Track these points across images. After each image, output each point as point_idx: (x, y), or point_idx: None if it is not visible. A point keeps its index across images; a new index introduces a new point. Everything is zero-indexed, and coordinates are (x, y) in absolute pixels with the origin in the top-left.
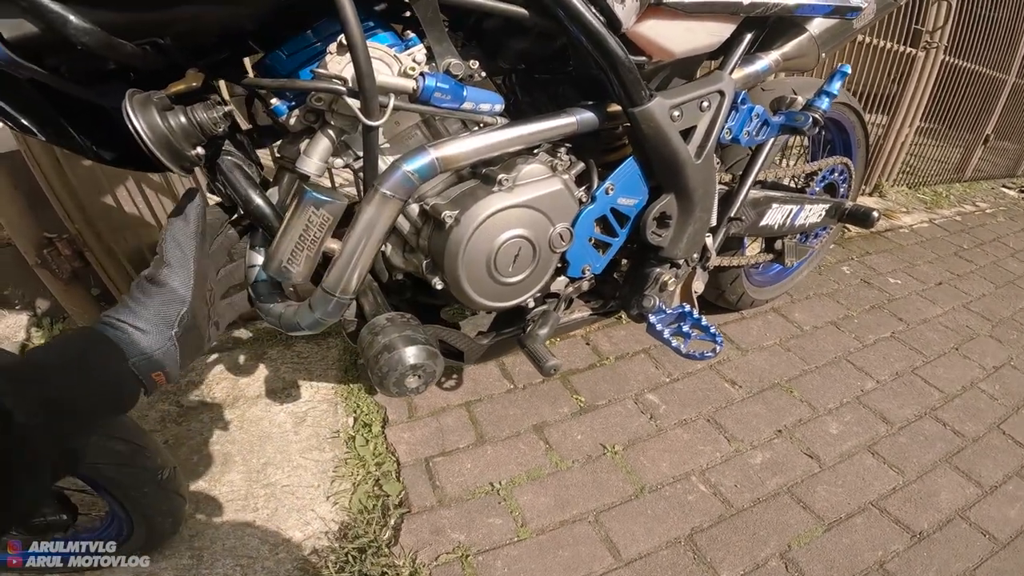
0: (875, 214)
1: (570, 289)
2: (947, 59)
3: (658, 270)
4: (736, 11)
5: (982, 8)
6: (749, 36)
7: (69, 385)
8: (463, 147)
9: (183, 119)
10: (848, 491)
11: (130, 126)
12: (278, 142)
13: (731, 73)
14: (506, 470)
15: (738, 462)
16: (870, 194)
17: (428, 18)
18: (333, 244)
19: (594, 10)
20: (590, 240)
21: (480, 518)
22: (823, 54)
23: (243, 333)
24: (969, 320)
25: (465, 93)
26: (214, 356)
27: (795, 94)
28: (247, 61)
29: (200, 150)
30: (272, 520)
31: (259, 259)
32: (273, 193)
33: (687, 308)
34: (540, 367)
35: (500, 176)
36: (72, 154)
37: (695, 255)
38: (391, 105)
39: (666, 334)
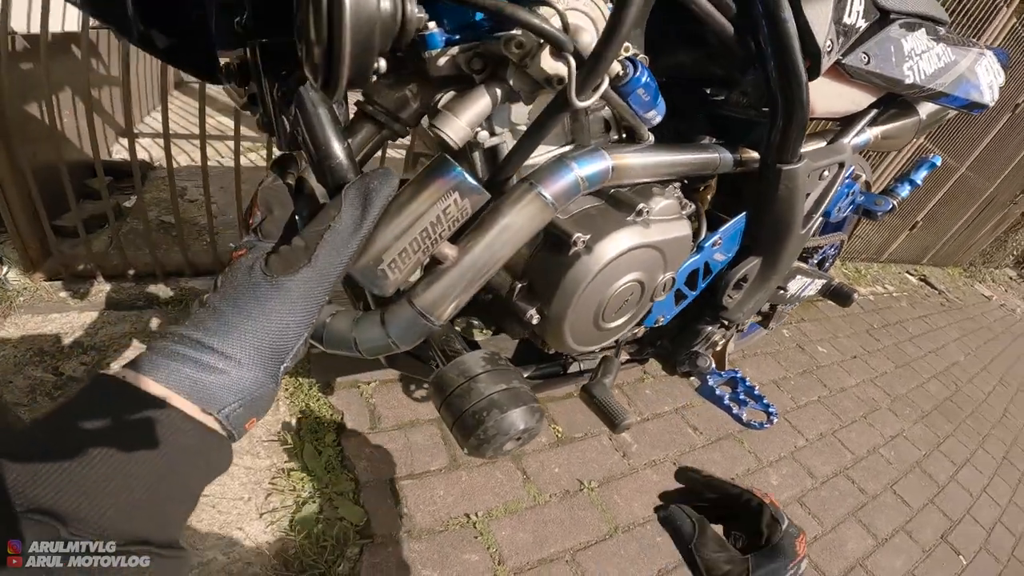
0: (855, 295)
1: (629, 335)
2: (923, 143)
3: (710, 328)
4: (894, 87)
5: None
6: (876, 111)
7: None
8: (638, 161)
9: (390, 6)
10: None
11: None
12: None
13: (849, 142)
14: (483, 500)
15: None
16: (830, 267)
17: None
18: (447, 249)
19: (802, 53)
20: (676, 290)
21: (455, 553)
22: (914, 139)
23: (162, 290)
24: (874, 393)
25: (658, 100)
26: (120, 313)
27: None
28: None
29: (383, 63)
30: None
31: None
32: None
33: (739, 374)
34: (614, 425)
35: (640, 204)
36: (15, 54)
37: (747, 320)
38: (604, 87)
39: (725, 399)
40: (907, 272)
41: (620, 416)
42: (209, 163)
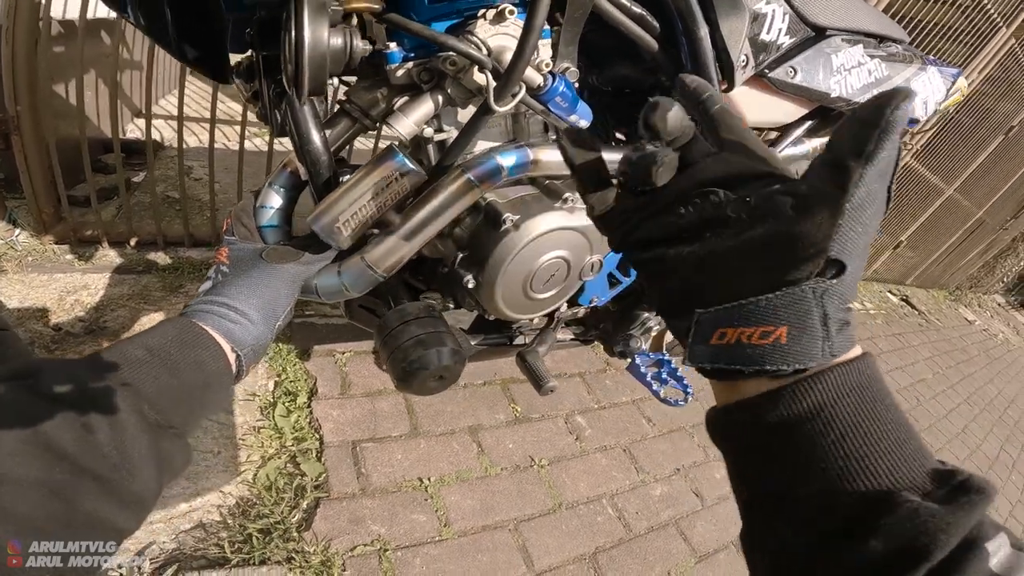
0: None
1: (568, 313)
2: (910, 161)
3: (647, 315)
4: (821, 100)
5: (965, 118)
6: (810, 123)
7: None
8: (558, 156)
9: (340, 41)
10: (719, 529)
11: (291, 33)
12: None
13: (780, 152)
14: (436, 467)
15: (642, 492)
16: None
17: (575, 17)
18: (393, 216)
19: (717, 66)
20: (608, 274)
21: (404, 513)
22: None
23: (161, 258)
24: None
25: (578, 106)
26: (120, 276)
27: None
28: None
29: (336, 81)
30: None
31: (276, 200)
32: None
33: (666, 356)
34: (539, 385)
35: (567, 194)
36: (51, 38)
37: None
38: (520, 95)
39: (648, 377)
40: (889, 291)
41: (545, 379)
42: (216, 145)
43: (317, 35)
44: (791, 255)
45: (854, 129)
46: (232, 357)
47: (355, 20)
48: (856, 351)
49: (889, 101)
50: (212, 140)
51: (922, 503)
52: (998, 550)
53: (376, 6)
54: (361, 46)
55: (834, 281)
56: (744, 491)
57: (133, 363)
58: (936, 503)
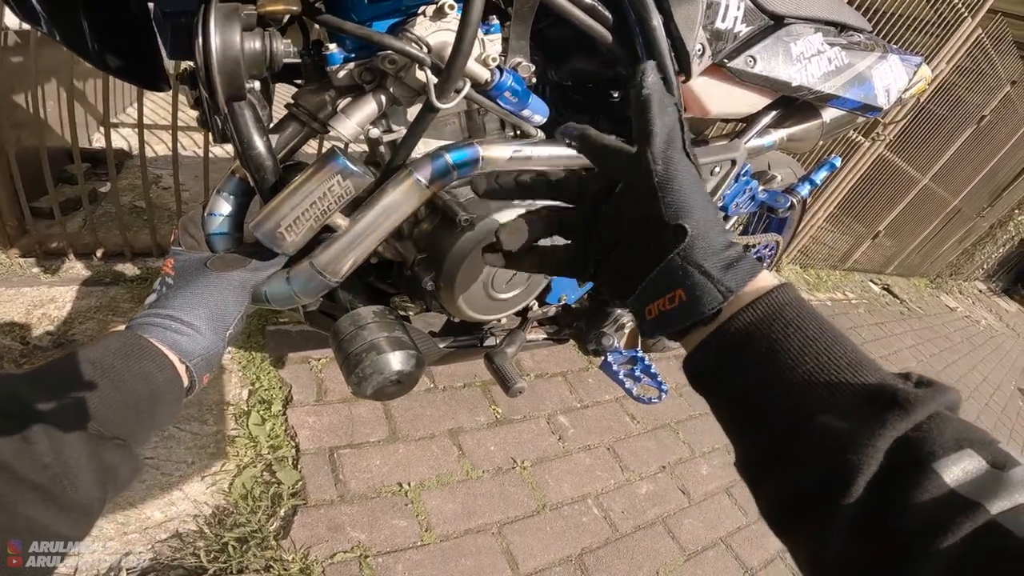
0: None
1: (539, 312)
2: (884, 152)
3: (619, 311)
4: (782, 89)
5: (937, 109)
6: (774, 112)
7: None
8: (508, 153)
9: (258, 45)
10: (706, 526)
11: (199, 40)
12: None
13: (746, 144)
14: (416, 472)
15: (627, 491)
16: (768, 267)
17: (523, 12)
18: (339, 219)
19: (673, 56)
20: None
21: (384, 518)
22: (821, 141)
23: (129, 268)
24: None
25: (529, 100)
26: (87, 288)
27: (771, 170)
28: None
29: (257, 84)
30: (123, 495)
31: (225, 207)
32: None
33: (639, 353)
34: (507, 387)
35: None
36: (7, 48)
37: None
38: (465, 91)
39: (621, 375)
40: (871, 281)
41: (513, 380)
42: (184, 153)
43: (227, 40)
44: (649, 239)
45: (634, 120)
46: (181, 368)
47: (295, 23)
48: (766, 281)
49: (637, 85)
50: (175, 147)
51: (834, 424)
52: (958, 471)
53: (294, 7)
54: (283, 49)
55: (686, 241)
56: (722, 423)
57: (74, 376)
58: (859, 423)
